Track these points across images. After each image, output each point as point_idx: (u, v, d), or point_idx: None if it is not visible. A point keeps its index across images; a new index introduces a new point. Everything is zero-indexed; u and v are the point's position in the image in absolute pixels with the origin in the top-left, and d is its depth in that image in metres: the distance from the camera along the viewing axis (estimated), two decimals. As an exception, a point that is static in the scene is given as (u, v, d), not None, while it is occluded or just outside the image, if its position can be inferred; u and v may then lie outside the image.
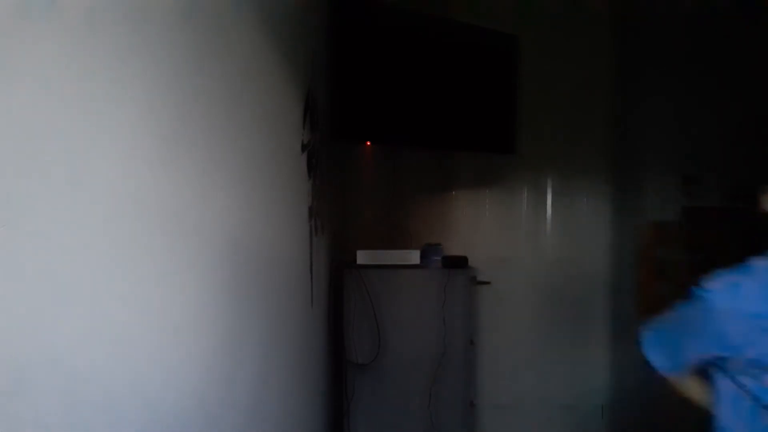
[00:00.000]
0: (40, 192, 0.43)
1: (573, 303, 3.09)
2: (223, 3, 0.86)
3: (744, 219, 2.59)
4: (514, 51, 2.75)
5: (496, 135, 2.73)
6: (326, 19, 2.19)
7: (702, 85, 2.70)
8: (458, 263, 2.54)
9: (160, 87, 0.63)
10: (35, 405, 0.43)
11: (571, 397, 3.08)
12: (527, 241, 3.09)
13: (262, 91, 1.12)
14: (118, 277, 0.55)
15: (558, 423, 3.06)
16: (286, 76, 1.35)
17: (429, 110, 2.50)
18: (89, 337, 0.50)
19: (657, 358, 1.15)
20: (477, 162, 2.99)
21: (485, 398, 2.97)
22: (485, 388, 2.97)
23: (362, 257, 2.44)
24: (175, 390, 0.69)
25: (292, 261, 1.46)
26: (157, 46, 0.63)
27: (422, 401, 2.43)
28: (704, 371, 1.09)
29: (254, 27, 1.05)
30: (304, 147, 1.56)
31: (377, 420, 2.42)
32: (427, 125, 2.52)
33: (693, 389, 1.14)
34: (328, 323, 2.26)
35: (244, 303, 0.99)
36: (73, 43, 0.47)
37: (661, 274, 2.62)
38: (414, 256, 2.51)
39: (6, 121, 0.39)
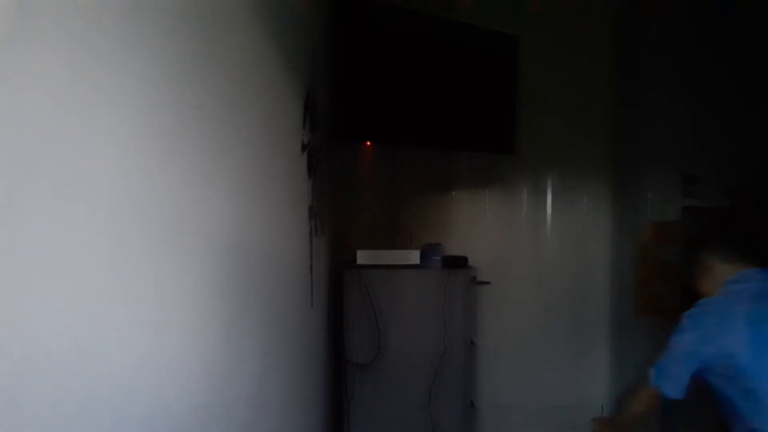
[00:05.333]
0: (39, 192, 0.43)
1: (573, 303, 3.09)
2: (222, 3, 0.86)
3: (744, 219, 2.59)
4: (514, 51, 2.75)
5: (496, 135, 2.73)
6: (326, 19, 2.18)
7: (702, 85, 2.70)
8: (458, 263, 2.54)
9: (159, 87, 0.63)
10: (34, 402, 0.43)
11: (571, 397, 3.08)
12: (527, 241, 3.08)
13: (261, 91, 1.12)
14: (118, 278, 0.55)
15: (558, 423, 3.06)
16: (286, 76, 1.35)
17: (429, 110, 2.50)
18: (88, 337, 0.50)
19: (668, 389, 1.39)
20: (477, 162, 2.98)
21: (485, 398, 2.97)
22: (485, 388, 2.97)
23: (362, 257, 2.44)
24: (175, 390, 0.69)
25: (292, 261, 1.46)
26: (157, 46, 0.63)
27: (422, 401, 2.43)
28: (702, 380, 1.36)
29: (254, 27, 1.05)
30: (304, 147, 1.56)
31: (377, 420, 2.42)
32: (428, 125, 2.52)
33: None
34: (328, 323, 2.26)
35: (243, 303, 0.99)
36: (72, 43, 0.47)
37: (661, 274, 2.62)
38: (414, 256, 2.51)
39: (5, 121, 0.39)
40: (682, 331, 1.37)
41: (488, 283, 2.89)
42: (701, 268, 1.44)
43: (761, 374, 1.22)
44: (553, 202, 3.10)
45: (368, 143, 2.79)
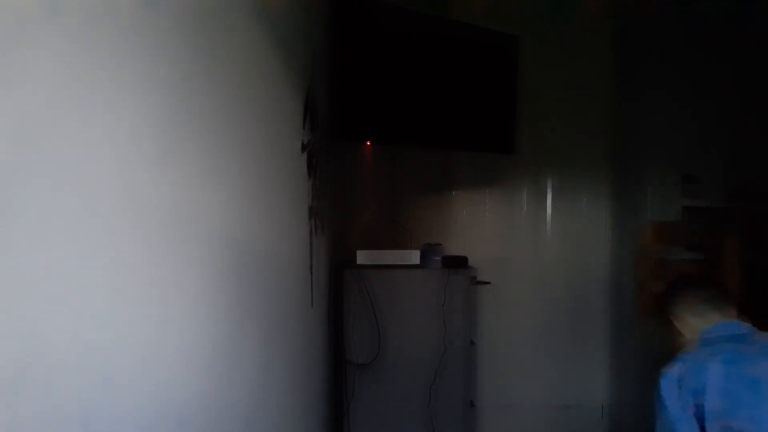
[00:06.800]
0: (40, 192, 0.43)
1: (573, 303, 3.09)
2: (222, 3, 0.86)
3: (744, 219, 2.59)
4: (514, 51, 2.75)
5: (496, 135, 2.73)
6: (326, 19, 2.18)
7: (702, 85, 2.70)
8: (458, 263, 2.54)
9: (159, 88, 0.63)
10: (34, 402, 0.43)
11: (571, 397, 3.08)
12: (527, 241, 3.08)
13: (262, 91, 1.12)
14: (117, 278, 0.55)
15: (558, 423, 3.06)
16: (286, 76, 1.35)
17: (429, 110, 2.50)
18: (87, 337, 0.50)
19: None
20: (477, 162, 2.98)
21: (485, 398, 2.97)
22: (485, 388, 2.97)
23: (362, 257, 2.44)
24: (175, 390, 0.69)
25: (292, 261, 1.46)
26: (156, 46, 0.63)
27: (422, 401, 2.43)
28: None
29: (254, 27, 1.05)
30: (304, 147, 1.56)
31: (377, 420, 2.42)
32: (428, 125, 2.52)
33: None
34: (328, 323, 2.26)
35: (243, 303, 0.99)
36: (71, 44, 0.47)
37: (661, 274, 2.62)
38: (414, 256, 2.51)
39: (5, 122, 0.39)
40: (662, 408, 1.33)
41: (488, 282, 2.89)
42: (677, 321, 1.52)
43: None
44: (553, 202, 3.10)
45: (368, 143, 2.79)
